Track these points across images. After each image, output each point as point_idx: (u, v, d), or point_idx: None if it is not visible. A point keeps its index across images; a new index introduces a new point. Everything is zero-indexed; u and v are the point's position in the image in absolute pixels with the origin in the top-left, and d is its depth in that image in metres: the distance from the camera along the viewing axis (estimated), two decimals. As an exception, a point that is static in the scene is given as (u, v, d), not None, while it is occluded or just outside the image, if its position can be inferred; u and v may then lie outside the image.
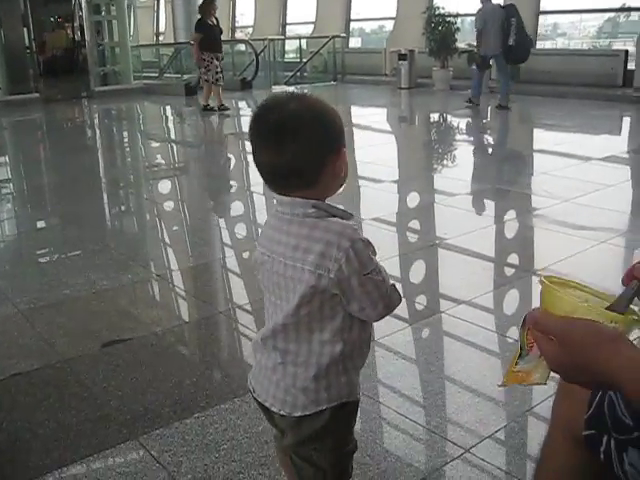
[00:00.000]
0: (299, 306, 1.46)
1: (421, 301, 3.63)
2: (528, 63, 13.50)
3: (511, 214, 5.29)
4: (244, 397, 2.53)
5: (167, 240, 5.20)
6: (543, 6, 14.32)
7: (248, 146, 5.93)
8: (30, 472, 2.23)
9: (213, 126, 11.59)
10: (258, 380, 1.60)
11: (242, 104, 14.23)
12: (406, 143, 9.40)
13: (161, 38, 25.09)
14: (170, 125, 12.50)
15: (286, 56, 19.64)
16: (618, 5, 15.15)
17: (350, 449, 1.71)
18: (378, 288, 1.48)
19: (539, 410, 2.42)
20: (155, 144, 10.11)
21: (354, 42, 19.85)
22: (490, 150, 8.87)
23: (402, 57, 14.42)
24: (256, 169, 1.48)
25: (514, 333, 3.17)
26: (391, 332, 3.11)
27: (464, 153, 8.25)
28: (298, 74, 16.83)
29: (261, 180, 1.50)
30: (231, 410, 2.48)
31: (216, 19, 11.73)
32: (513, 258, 4.35)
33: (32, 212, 6.23)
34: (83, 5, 16.19)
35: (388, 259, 4.07)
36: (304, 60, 17.53)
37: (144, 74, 18.03)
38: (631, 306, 0.98)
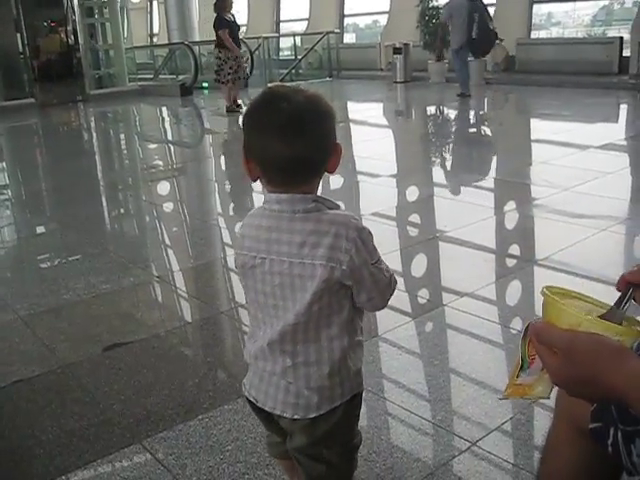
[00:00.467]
0: (311, 303, 1.44)
1: (423, 294, 3.62)
2: (524, 53, 13.53)
3: (511, 205, 5.26)
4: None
5: (167, 241, 5.18)
6: (537, -5, 14.31)
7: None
8: None
9: (210, 125, 11.58)
10: (261, 389, 1.57)
11: (238, 103, 14.20)
12: (403, 137, 9.37)
13: (155, 39, 25.06)
14: (167, 126, 12.47)
15: (281, 53, 19.60)
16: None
17: (358, 440, 1.72)
18: (384, 277, 1.50)
19: (545, 401, 2.40)
20: (152, 145, 10.09)
21: (348, 38, 19.80)
22: (488, 141, 8.84)
23: (397, 51, 14.39)
24: (258, 161, 1.44)
25: (517, 324, 3.16)
26: (394, 326, 3.09)
27: (462, 145, 8.23)
28: (293, 71, 16.80)
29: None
30: (235, 411, 2.46)
31: (232, 15, 11.38)
32: (514, 249, 4.33)
33: (30, 217, 6.21)
34: (76, 8, 16.15)
35: (389, 253, 4.04)
36: (299, 57, 17.51)
37: (139, 76, 18.01)
38: (634, 316, 0.96)
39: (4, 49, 15.81)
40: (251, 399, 1.61)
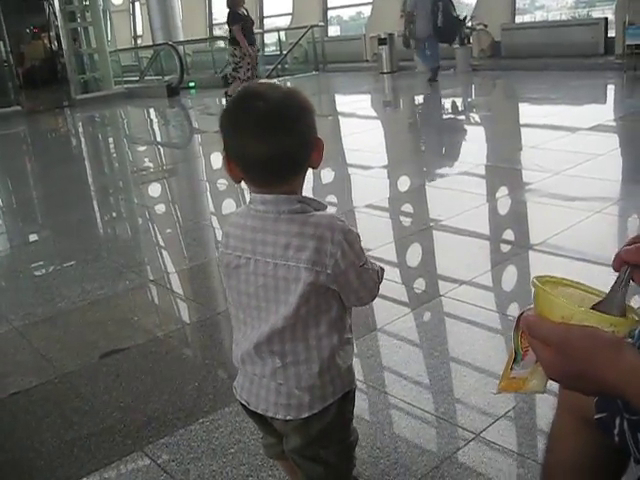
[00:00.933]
0: (299, 306, 1.42)
1: (420, 286, 3.60)
2: (509, 38, 13.53)
3: (504, 191, 5.25)
4: (248, 398, 2.49)
5: (160, 244, 5.15)
6: (520, -20, 14.28)
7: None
8: (36, 492, 2.20)
9: (199, 125, 11.54)
10: (252, 392, 1.55)
11: (225, 101, 14.16)
12: (392, 127, 9.34)
13: (139, 41, 24.95)
14: (155, 127, 12.42)
15: (266, 49, 19.53)
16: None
17: (354, 438, 1.69)
18: (372, 277, 1.48)
19: (547, 388, 2.39)
20: (141, 148, 10.04)
21: (333, 30, 19.75)
22: (477, 127, 8.82)
23: (382, 42, 14.36)
24: (239, 162, 1.42)
25: (516, 311, 3.14)
26: (392, 319, 3.07)
27: (452, 133, 8.21)
28: (279, 66, 16.74)
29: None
30: (236, 413, 2.44)
31: (246, 10, 11.15)
32: (509, 235, 4.31)
33: (22, 225, 6.18)
34: (58, 14, 16.07)
35: (384, 245, 4.03)
36: (284, 52, 17.45)
37: (125, 78, 17.93)
38: (630, 304, 0.93)
39: (-13, 58, 15.75)
40: (243, 402, 1.59)
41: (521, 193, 5.03)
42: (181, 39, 18.96)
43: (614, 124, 7.56)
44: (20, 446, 2.45)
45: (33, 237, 5.70)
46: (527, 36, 13.64)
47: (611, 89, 10.80)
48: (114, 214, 6.43)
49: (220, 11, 23.50)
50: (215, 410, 2.50)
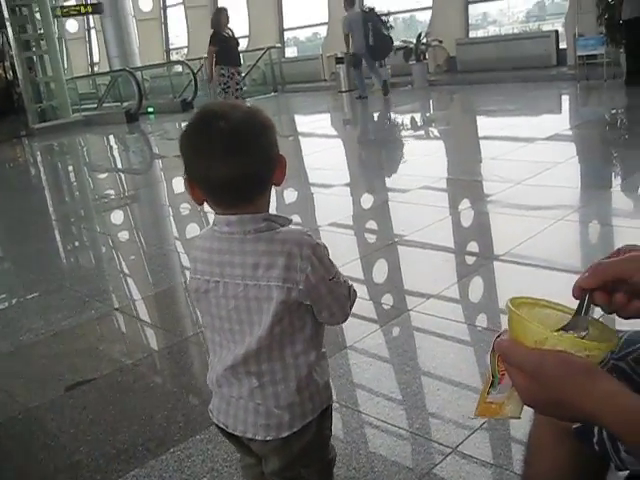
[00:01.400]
0: (272, 326, 1.40)
1: (388, 301, 3.58)
2: (464, 53, 13.75)
3: (466, 203, 5.27)
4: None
5: (125, 271, 5.07)
6: (472, -4, 14.53)
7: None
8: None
9: (159, 150, 11.46)
10: (229, 414, 1.51)
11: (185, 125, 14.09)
12: (352, 145, 9.38)
13: (96, 68, 24.82)
14: (115, 154, 12.30)
15: (223, 72, 19.52)
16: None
17: (333, 455, 1.69)
18: (343, 291, 1.47)
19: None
20: (102, 175, 9.93)
21: (290, 51, 19.85)
22: (437, 141, 8.89)
23: (339, 60, 14.44)
24: (202, 185, 1.39)
25: (485, 322, 3.15)
26: (361, 337, 3.05)
27: (413, 148, 8.25)
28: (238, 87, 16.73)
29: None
30: (207, 440, 2.39)
31: (231, 30, 10.96)
32: (474, 246, 4.33)
33: (-19, 259, 6.04)
34: (12, 42, 15.88)
35: (349, 262, 4.01)
36: (242, 74, 17.45)
37: (83, 106, 17.78)
38: (609, 326, 0.93)
39: (-59, 90, 15.51)
40: (221, 425, 1.55)
41: (483, 204, 5.06)
42: (138, 65, 18.89)
43: (570, 133, 7.68)
44: (-15, 487, 2.37)
45: (-7, 270, 5.58)
46: (481, 50, 13.86)
47: (566, 99, 10.99)
48: (76, 243, 6.33)
49: (176, 36, 23.56)
50: (186, 438, 2.44)
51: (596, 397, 0.80)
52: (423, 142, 8.77)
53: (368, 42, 12.36)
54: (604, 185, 5.33)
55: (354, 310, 1.56)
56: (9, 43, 16.06)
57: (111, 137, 13.95)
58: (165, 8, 23.02)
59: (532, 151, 6.67)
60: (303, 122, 12.03)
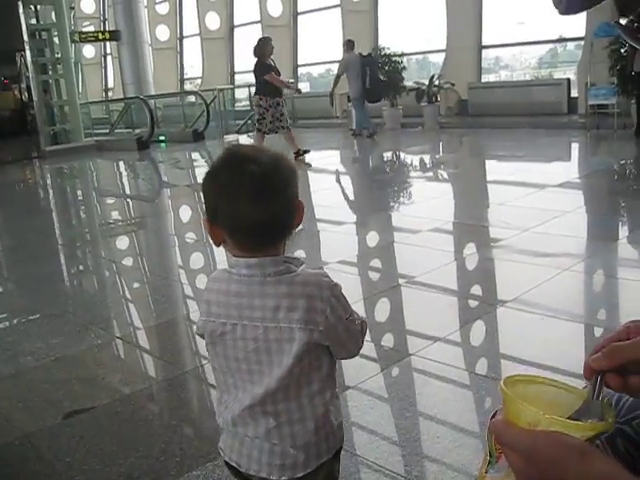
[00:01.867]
0: (292, 366, 1.40)
1: (391, 344, 3.57)
2: (475, 96, 13.88)
3: (473, 248, 5.28)
4: (216, 461, 2.42)
5: (128, 299, 5.07)
6: (485, 41, 14.68)
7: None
8: None
9: (169, 179, 11.53)
10: (242, 453, 1.50)
11: (196, 155, 14.22)
12: (362, 184, 9.42)
13: (110, 94, 25.09)
14: (125, 181, 12.37)
15: (236, 105, 19.74)
16: (555, 37, 15.61)
17: None
18: (357, 327, 1.50)
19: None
20: (110, 201, 9.99)
21: (303, 87, 20.04)
22: (446, 184, 8.93)
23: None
24: (227, 228, 1.39)
25: (486, 369, 3.13)
26: (363, 379, 3.03)
27: (421, 189, 8.28)
28: (249, 122, 16.88)
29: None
30: (204, 476, 2.37)
31: (272, 61, 10.69)
32: (479, 292, 4.32)
33: (-15, 280, 6.05)
34: (29, 65, 16.10)
35: (355, 302, 3.97)
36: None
37: (95, 131, 17.95)
38: (607, 402, 0.91)
39: (-44, 108, 15.69)
40: (232, 464, 1.53)
41: (491, 250, 5.07)
42: (152, 93, 19.11)
43: (579, 182, 7.71)
44: (-23, 513, 2.34)
45: (-3, 291, 5.59)
46: (493, 95, 13.98)
47: (575, 147, 11.05)
48: (81, 268, 6.34)
49: (191, 67, 23.85)
50: (182, 474, 2.42)
51: (592, 477, 0.79)
52: (432, 184, 8.81)
53: (365, 85, 13.00)
54: (611, 237, 5.33)
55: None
56: (26, 66, 16.27)
57: (121, 163, 14.05)
58: (182, 38, 23.37)
59: (540, 198, 6.68)
60: (313, 158, 12.08)
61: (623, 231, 5.74)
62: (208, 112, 15.97)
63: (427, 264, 4.69)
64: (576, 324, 3.66)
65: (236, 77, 21.23)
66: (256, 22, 19.53)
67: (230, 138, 15.41)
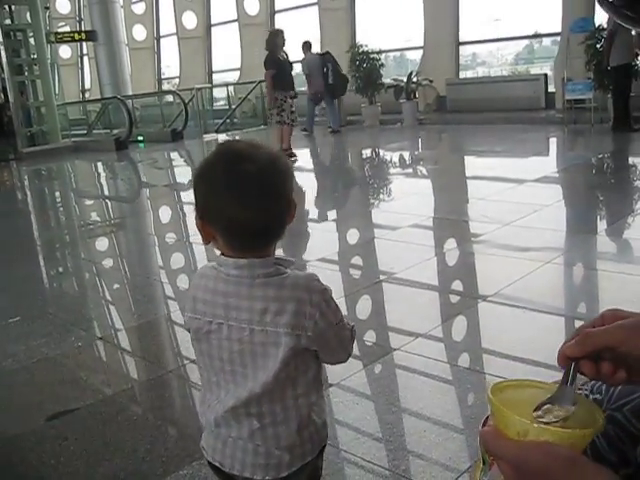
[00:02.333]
0: (279, 371, 1.38)
1: (375, 340, 3.57)
2: (454, 93, 13.92)
3: (454, 243, 5.29)
4: (202, 460, 2.39)
5: (109, 300, 5.03)
6: (462, 37, 14.74)
7: (185, 197, 5.79)
8: None
9: (147, 179, 11.46)
10: (226, 453, 1.48)
11: (175, 155, 14.15)
12: (341, 181, 9.42)
13: (87, 95, 24.91)
14: (103, 181, 12.27)
15: (215, 104, 19.67)
16: (531, 32, 15.72)
17: None
18: (347, 333, 1.48)
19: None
20: (89, 202, 9.91)
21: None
22: (426, 181, 8.96)
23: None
24: (219, 227, 1.36)
25: (470, 363, 3.14)
26: (347, 375, 3.03)
27: (401, 186, 8.29)
28: (228, 121, 16.84)
29: (197, 231, 1.39)
30: (190, 476, 2.35)
31: (285, 53, 10.57)
32: (461, 287, 4.34)
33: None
34: (5, 66, 15.92)
35: (337, 299, 4.00)
36: (233, 107, 17.58)
37: (72, 132, 17.80)
38: (589, 400, 0.91)
39: None
40: (216, 464, 1.52)
41: (472, 245, 5.08)
42: (130, 93, 18.99)
43: (558, 176, 7.76)
44: (-40, 518, 2.32)
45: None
46: (471, 91, 14.04)
47: (553, 142, 11.12)
48: (61, 269, 6.29)
49: (167, 66, 23.74)
50: (169, 474, 2.41)
51: None
52: (412, 180, 8.83)
53: (328, 81, 13.49)
54: (591, 229, 5.37)
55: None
56: (2, 67, 16.09)
57: (99, 164, 13.94)
58: (158, 38, 23.24)
59: (520, 193, 6.72)
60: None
61: (602, 224, 5.79)
62: (186, 111, 15.90)
63: (409, 260, 4.70)
64: (557, 317, 3.68)
65: (214, 76, 21.16)
66: (233, 21, 19.48)
67: (209, 137, 15.36)
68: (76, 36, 19.93)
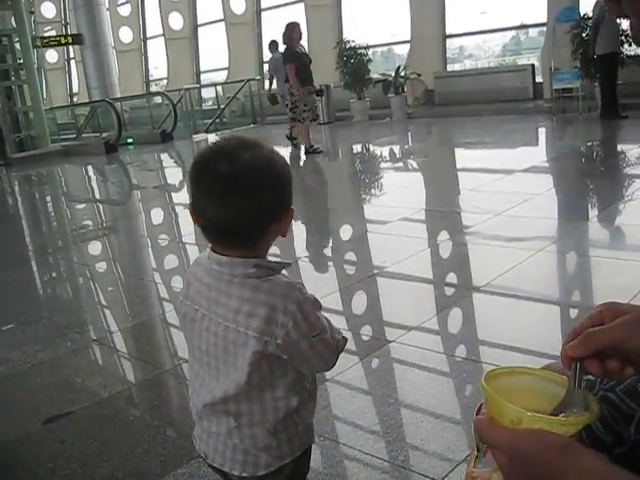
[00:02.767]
0: (250, 373, 1.37)
1: (370, 333, 3.57)
2: (442, 86, 13.91)
3: (446, 234, 5.30)
4: (200, 458, 2.39)
5: (103, 302, 5.02)
6: (449, 30, 14.75)
7: (176, 198, 5.80)
8: None
9: (138, 181, 11.43)
10: (209, 445, 1.49)
11: (165, 156, 14.12)
12: (331, 176, 9.42)
13: (75, 99, 24.81)
14: (94, 185, 12.24)
15: (204, 104, 19.64)
16: (517, 23, 15.73)
17: None
18: (328, 346, 1.43)
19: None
20: (80, 206, 9.87)
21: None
22: (417, 174, 8.96)
23: (318, 93, 14.53)
24: (200, 219, 1.36)
25: (466, 353, 3.15)
26: (344, 369, 3.02)
27: (392, 179, 8.30)
28: (217, 120, 16.81)
29: (190, 231, 1.40)
30: (189, 474, 2.35)
31: (302, 46, 10.38)
32: (454, 278, 4.34)
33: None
34: (-10, 72, 15.87)
35: (330, 294, 4.01)
36: (222, 106, 17.55)
37: (61, 136, 17.74)
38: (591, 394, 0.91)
39: None
40: (202, 454, 1.53)
41: (464, 236, 5.09)
42: (118, 95, 18.93)
43: (548, 165, 7.78)
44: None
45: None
46: (459, 84, 14.05)
47: (542, 131, 11.14)
48: (54, 273, 6.27)
49: (155, 68, 23.68)
50: (167, 473, 2.40)
51: (576, 474, 0.79)
52: (402, 174, 8.84)
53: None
54: (582, 217, 5.39)
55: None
56: (-13, 72, 16.03)
57: (90, 168, 13.89)
58: (145, 40, 23.17)
59: (510, 183, 6.74)
60: (282, 153, 12.06)
61: (593, 211, 5.81)
62: (175, 112, 15.86)
63: (402, 252, 4.70)
64: (551, 305, 3.69)
65: (202, 76, 21.11)
66: (219, 20, 19.44)
67: (198, 138, 15.33)
68: (62, 40, 19.81)
